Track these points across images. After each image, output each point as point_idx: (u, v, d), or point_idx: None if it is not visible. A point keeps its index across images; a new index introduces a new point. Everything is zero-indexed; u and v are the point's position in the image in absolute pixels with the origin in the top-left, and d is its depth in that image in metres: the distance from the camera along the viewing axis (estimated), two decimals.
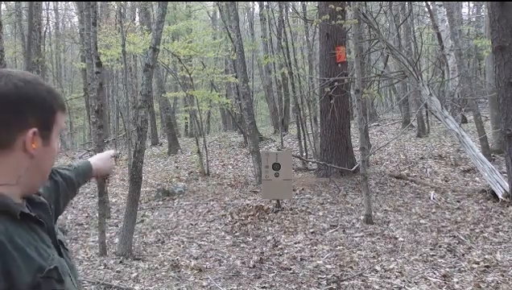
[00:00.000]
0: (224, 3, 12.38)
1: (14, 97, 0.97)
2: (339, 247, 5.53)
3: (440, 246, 5.30)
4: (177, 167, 11.90)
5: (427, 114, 13.94)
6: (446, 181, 8.53)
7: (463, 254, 5.03)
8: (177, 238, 6.30)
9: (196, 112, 12.64)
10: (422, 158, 10.34)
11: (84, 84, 17.95)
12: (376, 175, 8.98)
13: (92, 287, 4.64)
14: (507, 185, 6.62)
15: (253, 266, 5.07)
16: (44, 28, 19.65)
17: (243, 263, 5.21)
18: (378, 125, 16.39)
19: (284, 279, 4.66)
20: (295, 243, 5.76)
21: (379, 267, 4.80)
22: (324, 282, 4.54)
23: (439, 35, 10.60)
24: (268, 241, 5.93)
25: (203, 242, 6.05)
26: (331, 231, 6.17)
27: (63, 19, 27.39)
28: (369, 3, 10.15)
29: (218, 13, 20.24)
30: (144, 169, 7.36)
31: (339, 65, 8.95)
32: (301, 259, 5.21)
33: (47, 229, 1.05)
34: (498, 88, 5.55)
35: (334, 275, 4.66)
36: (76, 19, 24.95)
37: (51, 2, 21.86)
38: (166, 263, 5.21)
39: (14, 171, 0.99)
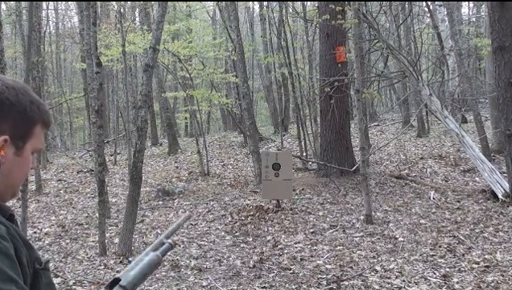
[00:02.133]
0: (224, 3, 12.37)
1: None
2: (339, 247, 5.52)
3: (440, 246, 5.30)
4: (177, 167, 11.89)
5: (427, 114, 13.92)
6: (446, 181, 8.53)
7: (463, 254, 5.03)
8: (177, 238, 6.30)
9: (196, 112, 12.64)
10: (422, 158, 10.34)
11: (84, 84, 17.94)
12: (376, 175, 8.98)
13: (92, 287, 4.64)
14: (507, 185, 6.62)
15: (253, 266, 5.07)
16: (44, 28, 19.64)
17: (243, 263, 5.21)
18: (378, 125, 16.38)
19: (284, 279, 4.66)
20: (295, 243, 5.76)
21: (379, 267, 4.80)
22: (324, 282, 4.53)
23: (439, 35, 10.60)
24: (268, 241, 5.93)
25: (203, 242, 6.05)
26: (331, 231, 6.17)
27: (63, 19, 27.38)
28: (369, 3, 10.15)
29: (218, 13, 20.23)
30: (144, 169, 7.36)
31: (339, 65, 8.95)
32: (301, 259, 5.20)
33: None
34: (498, 88, 5.56)
35: (334, 275, 4.66)
36: (76, 19, 24.94)
37: (51, 2, 21.86)
38: (166, 263, 5.21)
39: None
